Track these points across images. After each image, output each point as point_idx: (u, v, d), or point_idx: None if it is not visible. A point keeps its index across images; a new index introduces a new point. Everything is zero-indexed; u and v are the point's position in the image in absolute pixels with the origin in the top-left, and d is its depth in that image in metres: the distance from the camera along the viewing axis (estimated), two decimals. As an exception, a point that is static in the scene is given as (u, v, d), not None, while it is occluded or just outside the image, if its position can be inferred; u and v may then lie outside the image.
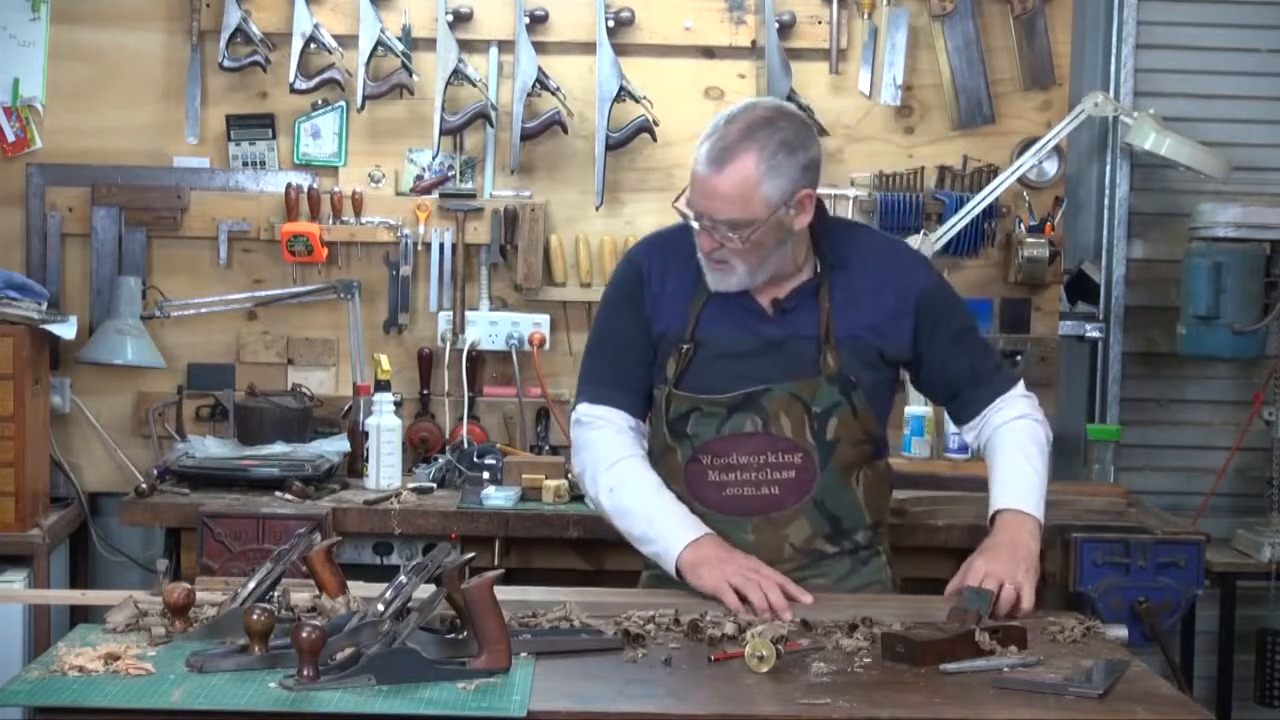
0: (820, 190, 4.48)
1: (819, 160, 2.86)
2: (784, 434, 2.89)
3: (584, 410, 3.01)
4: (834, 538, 2.95)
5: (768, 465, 2.90)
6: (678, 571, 2.85)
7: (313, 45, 4.37)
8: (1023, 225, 4.44)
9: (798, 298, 2.91)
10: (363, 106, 4.40)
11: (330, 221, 4.41)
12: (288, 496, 3.95)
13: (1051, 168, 4.53)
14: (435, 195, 4.46)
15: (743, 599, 2.75)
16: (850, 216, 4.49)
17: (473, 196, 4.46)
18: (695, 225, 2.81)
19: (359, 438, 4.24)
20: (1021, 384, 3.06)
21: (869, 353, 2.92)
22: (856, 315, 2.90)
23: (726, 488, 2.92)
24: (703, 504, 2.93)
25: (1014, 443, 2.96)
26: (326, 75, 4.40)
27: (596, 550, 3.98)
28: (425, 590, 2.44)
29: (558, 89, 4.39)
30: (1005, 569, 2.75)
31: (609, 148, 4.40)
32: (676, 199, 2.85)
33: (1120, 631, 2.75)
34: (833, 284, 2.90)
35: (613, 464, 2.95)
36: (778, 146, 2.76)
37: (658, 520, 2.90)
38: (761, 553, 2.88)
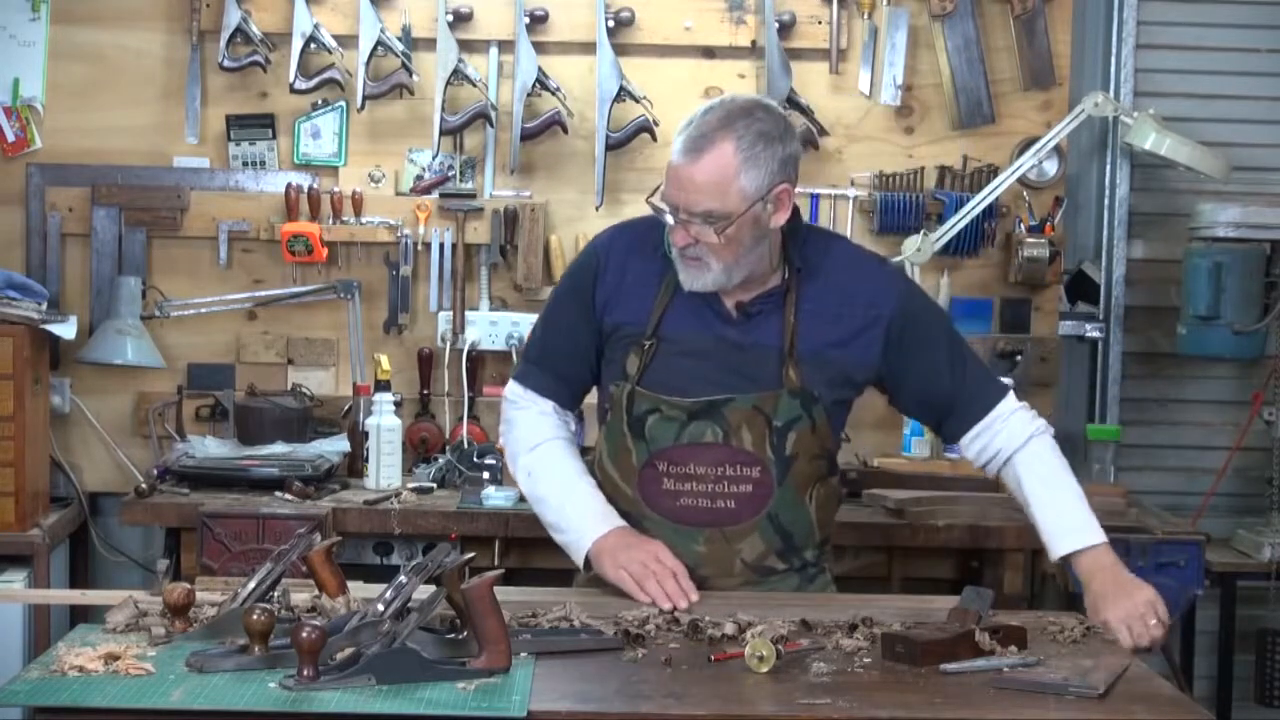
0: (821, 190, 4.59)
1: (798, 156, 2.80)
2: (744, 446, 2.81)
3: (512, 388, 3.02)
4: (785, 554, 2.89)
5: (725, 478, 2.83)
6: (586, 564, 2.86)
7: (313, 45, 4.37)
8: (1023, 225, 4.44)
9: (762, 303, 2.84)
10: (363, 106, 4.40)
11: (330, 221, 4.41)
12: (288, 496, 3.95)
13: (1051, 168, 4.53)
14: (435, 195, 4.46)
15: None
16: (850, 217, 4.51)
17: (473, 196, 4.46)
18: (670, 220, 2.74)
19: (359, 438, 4.24)
20: (1012, 396, 2.95)
21: (830, 369, 2.84)
22: (821, 330, 2.82)
23: (681, 497, 2.85)
24: (655, 510, 2.87)
25: (1044, 469, 2.90)
26: (326, 75, 4.40)
27: (596, 550, 3.98)
28: (425, 590, 2.44)
29: (558, 89, 4.40)
30: (1134, 607, 2.73)
31: (609, 148, 4.40)
32: (651, 194, 2.80)
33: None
34: (800, 294, 2.83)
35: (533, 447, 2.95)
36: (756, 137, 2.70)
37: (570, 510, 2.89)
38: (712, 566, 2.86)
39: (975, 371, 2.94)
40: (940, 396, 2.92)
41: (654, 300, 2.86)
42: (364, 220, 4.43)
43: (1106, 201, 4.66)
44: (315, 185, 4.45)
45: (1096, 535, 2.86)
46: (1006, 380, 3.13)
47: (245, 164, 4.48)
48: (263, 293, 4.46)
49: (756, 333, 2.83)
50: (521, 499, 3.95)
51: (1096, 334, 4.64)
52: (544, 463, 2.94)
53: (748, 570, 2.89)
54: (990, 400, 2.92)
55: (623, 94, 4.38)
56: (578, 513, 2.88)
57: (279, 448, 4.20)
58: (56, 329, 4.13)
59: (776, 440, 2.82)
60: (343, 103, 4.47)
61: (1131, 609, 2.73)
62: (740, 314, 2.84)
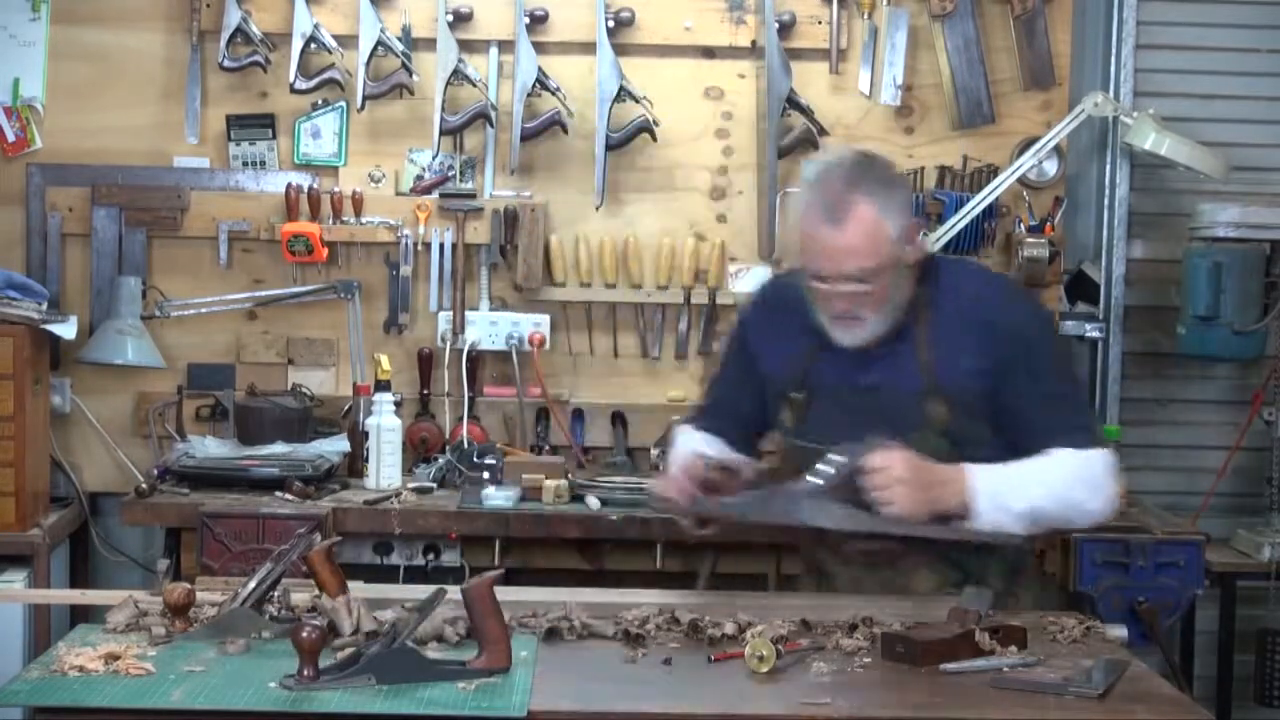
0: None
1: (910, 190, 2.87)
2: None
3: (679, 428, 3.21)
4: (963, 584, 2.85)
5: None
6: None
7: (313, 45, 4.37)
8: (1023, 225, 4.44)
9: (891, 344, 2.86)
10: (363, 106, 4.40)
11: (330, 221, 4.41)
12: (288, 496, 3.95)
13: (1051, 168, 4.53)
14: (435, 195, 4.46)
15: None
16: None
17: (473, 196, 4.46)
18: (823, 288, 2.79)
19: (359, 438, 4.24)
20: (1096, 451, 2.85)
21: (967, 399, 2.83)
22: (955, 361, 2.83)
23: (845, 540, 2.88)
24: (827, 551, 2.94)
25: (1043, 462, 2.80)
26: (326, 75, 4.40)
27: (596, 550, 3.99)
28: (423, 590, 2.45)
29: (558, 89, 4.39)
30: (903, 468, 2.69)
31: (609, 148, 4.40)
32: (780, 266, 2.83)
33: (1120, 631, 2.75)
34: (930, 329, 2.85)
35: (675, 451, 3.10)
36: (880, 185, 2.78)
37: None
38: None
39: (1064, 416, 2.86)
40: (1021, 426, 2.86)
41: (801, 353, 2.93)
42: (364, 220, 4.43)
43: (1106, 201, 4.66)
44: (315, 185, 4.45)
45: (980, 480, 2.76)
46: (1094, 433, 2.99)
47: (245, 164, 4.48)
48: (263, 293, 4.46)
49: (890, 373, 2.86)
50: (522, 498, 4.00)
51: (1096, 334, 4.64)
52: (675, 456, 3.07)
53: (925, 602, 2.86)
54: (1062, 442, 2.82)
55: (623, 94, 4.38)
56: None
57: (279, 448, 4.20)
58: (56, 329, 4.13)
59: None
60: (343, 103, 4.47)
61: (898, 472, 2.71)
62: (870, 358, 2.87)
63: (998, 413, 2.86)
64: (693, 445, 3.05)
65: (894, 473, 2.70)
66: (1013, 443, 2.84)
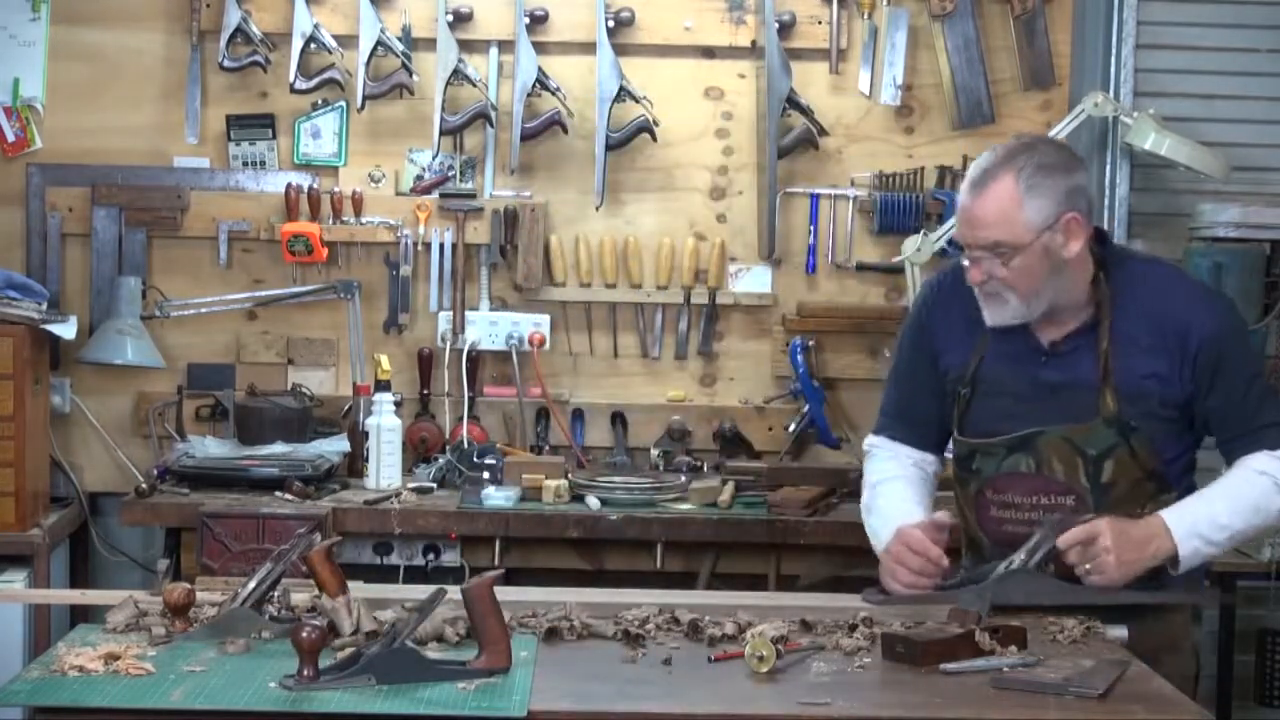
0: (821, 190, 4.59)
1: (1084, 186, 2.83)
2: (1056, 476, 2.86)
3: (869, 440, 3.17)
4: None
5: (1040, 506, 2.88)
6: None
7: (313, 45, 4.37)
8: (1023, 225, 4.43)
9: (1075, 340, 2.86)
10: (363, 106, 4.40)
11: (330, 221, 4.41)
12: (288, 496, 3.95)
13: (1051, 168, 4.52)
14: (435, 195, 4.46)
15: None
16: (850, 217, 4.51)
17: (473, 196, 4.46)
18: (965, 260, 2.82)
19: (359, 438, 4.24)
20: (1265, 455, 2.86)
21: (1148, 400, 2.84)
22: (1135, 361, 2.83)
23: (1004, 524, 2.92)
24: (988, 536, 2.96)
25: (1228, 481, 2.87)
26: (326, 75, 4.40)
27: (596, 550, 3.99)
28: (423, 590, 2.45)
29: (558, 89, 4.39)
30: (1109, 537, 2.72)
31: (609, 148, 4.40)
32: (943, 238, 2.88)
33: (1120, 631, 2.75)
34: (1114, 324, 2.84)
35: (873, 485, 3.08)
36: (1036, 169, 2.76)
37: (879, 542, 2.98)
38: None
39: (1261, 415, 2.88)
40: (1221, 426, 2.89)
41: (974, 344, 2.94)
42: (364, 220, 4.43)
43: (1106, 201, 4.65)
44: (315, 185, 4.45)
45: (1179, 526, 2.79)
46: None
47: (245, 164, 4.48)
48: (263, 293, 4.46)
49: (1072, 370, 2.86)
50: (522, 498, 4.00)
51: (1096, 334, 4.63)
52: (877, 499, 3.06)
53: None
54: (1260, 444, 2.87)
55: (623, 94, 4.38)
56: (879, 543, 2.98)
57: (279, 448, 4.20)
58: (56, 329, 4.13)
59: (1091, 469, 2.85)
60: (343, 103, 4.47)
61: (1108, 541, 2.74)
62: (1055, 353, 2.87)
63: (1187, 414, 2.88)
64: (893, 497, 3.02)
65: (1101, 543, 2.73)
66: (1214, 433, 2.90)
